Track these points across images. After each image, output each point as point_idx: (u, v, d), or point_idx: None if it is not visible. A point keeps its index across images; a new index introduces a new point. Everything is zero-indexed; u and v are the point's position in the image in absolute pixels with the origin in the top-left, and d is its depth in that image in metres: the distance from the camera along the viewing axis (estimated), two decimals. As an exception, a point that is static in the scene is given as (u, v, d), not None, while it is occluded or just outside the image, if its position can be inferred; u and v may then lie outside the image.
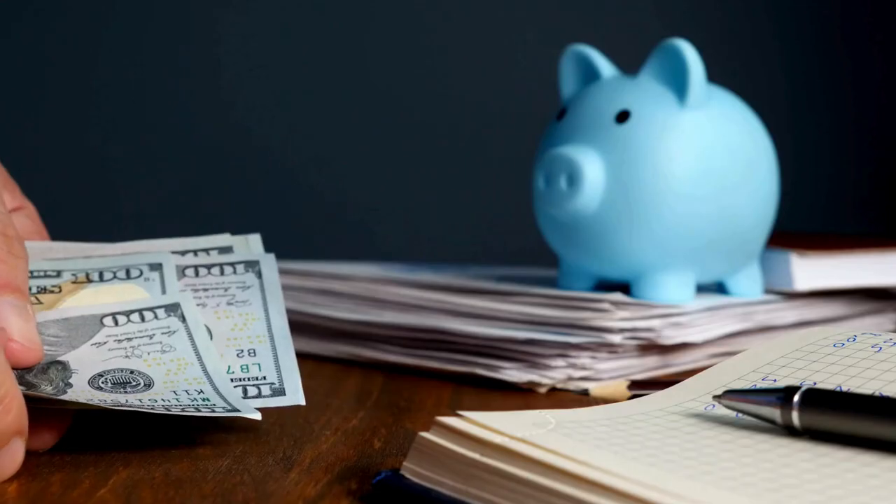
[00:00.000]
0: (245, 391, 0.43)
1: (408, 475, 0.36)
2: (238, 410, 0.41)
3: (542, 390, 0.55)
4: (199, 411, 0.40)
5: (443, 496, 0.34)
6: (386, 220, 1.19)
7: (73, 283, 0.45)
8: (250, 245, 0.48)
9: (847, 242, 0.71)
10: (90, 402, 0.40)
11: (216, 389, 0.42)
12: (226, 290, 0.46)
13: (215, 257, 0.47)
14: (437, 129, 1.20)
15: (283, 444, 0.43)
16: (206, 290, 0.46)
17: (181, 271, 0.46)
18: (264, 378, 0.44)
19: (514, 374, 0.55)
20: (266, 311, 0.46)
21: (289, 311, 0.64)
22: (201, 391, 0.42)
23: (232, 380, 0.43)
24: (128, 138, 1.15)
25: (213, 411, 0.40)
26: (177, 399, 0.41)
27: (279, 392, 0.44)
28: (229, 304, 0.46)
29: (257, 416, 0.41)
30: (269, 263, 0.47)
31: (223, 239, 0.48)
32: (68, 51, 1.12)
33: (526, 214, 0.66)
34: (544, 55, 0.88)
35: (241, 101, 1.16)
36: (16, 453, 0.37)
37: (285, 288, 0.66)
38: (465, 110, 1.19)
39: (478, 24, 1.20)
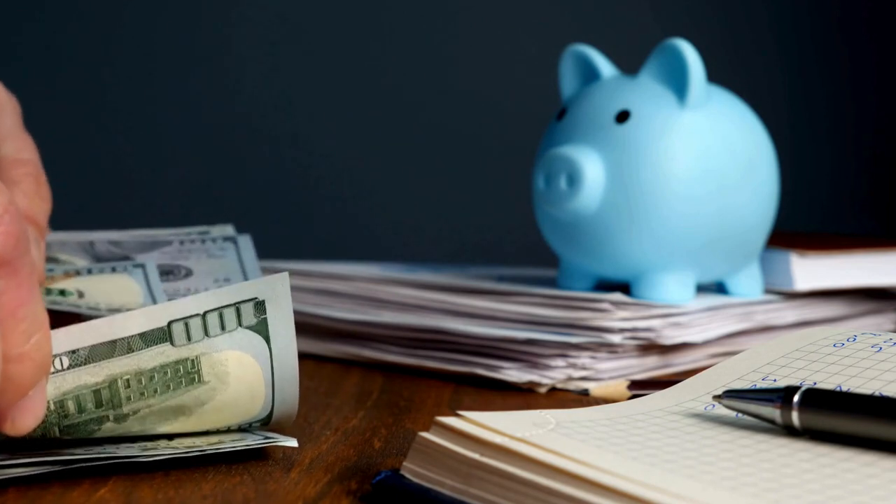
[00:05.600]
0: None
1: (408, 475, 0.36)
2: None
3: (542, 390, 0.55)
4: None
5: (443, 496, 0.34)
6: (386, 220, 1.19)
7: (65, 276, 0.49)
8: (225, 230, 0.55)
9: (847, 242, 0.71)
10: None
11: None
12: (206, 251, 0.54)
13: (196, 236, 0.54)
14: (438, 129, 1.20)
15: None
16: (189, 251, 0.53)
17: (167, 243, 0.53)
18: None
19: (514, 374, 0.55)
20: (240, 258, 0.53)
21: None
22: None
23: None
24: (130, 137, 1.15)
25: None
26: None
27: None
28: (209, 257, 0.53)
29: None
30: (245, 239, 0.54)
31: (201, 228, 0.55)
32: (77, 48, 1.12)
33: (526, 214, 0.66)
34: (544, 55, 0.88)
35: (242, 101, 1.16)
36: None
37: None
38: (465, 110, 1.19)
39: (478, 24, 1.20)
